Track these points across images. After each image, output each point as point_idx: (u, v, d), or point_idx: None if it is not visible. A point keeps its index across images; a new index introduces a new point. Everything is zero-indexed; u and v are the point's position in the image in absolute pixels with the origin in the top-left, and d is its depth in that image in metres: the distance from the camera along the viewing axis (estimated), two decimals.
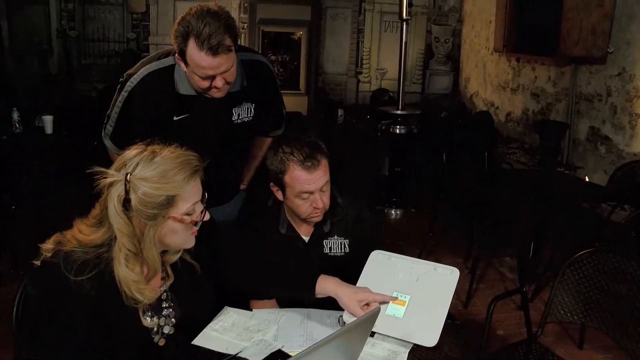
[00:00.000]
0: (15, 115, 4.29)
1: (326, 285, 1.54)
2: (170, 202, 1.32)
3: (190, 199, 1.35)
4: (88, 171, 1.30)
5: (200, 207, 1.39)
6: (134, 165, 1.30)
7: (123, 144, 2.01)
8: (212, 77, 1.79)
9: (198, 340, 1.48)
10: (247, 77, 2.00)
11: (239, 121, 2.03)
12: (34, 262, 1.31)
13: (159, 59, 1.94)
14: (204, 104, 1.92)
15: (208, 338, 1.50)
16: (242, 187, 2.30)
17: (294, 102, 6.43)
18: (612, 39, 4.82)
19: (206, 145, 1.91)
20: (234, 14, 7.52)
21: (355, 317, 1.48)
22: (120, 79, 1.97)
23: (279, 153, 1.77)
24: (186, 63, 1.79)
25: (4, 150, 4.13)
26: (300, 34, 7.20)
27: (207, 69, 1.75)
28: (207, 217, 1.41)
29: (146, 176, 1.29)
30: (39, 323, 1.28)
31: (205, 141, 1.92)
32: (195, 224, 1.38)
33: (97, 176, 1.30)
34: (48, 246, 1.32)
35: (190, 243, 1.43)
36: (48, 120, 4.33)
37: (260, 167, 2.26)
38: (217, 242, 1.59)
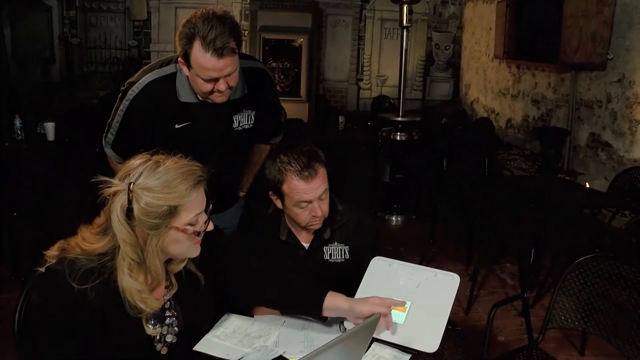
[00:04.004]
0: (18, 122, 4.32)
1: (336, 301, 1.51)
2: (172, 212, 1.31)
3: (193, 210, 1.35)
4: (92, 180, 1.30)
5: (203, 217, 1.38)
6: (137, 174, 1.30)
7: (124, 153, 2.02)
8: (216, 80, 1.79)
9: (200, 347, 1.49)
10: (247, 84, 2.01)
11: (239, 128, 2.04)
12: (38, 269, 1.31)
13: (160, 66, 1.94)
14: (205, 111, 1.93)
15: (209, 344, 1.50)
16: (241, 194, 2.30)
17: (294, 109, 6.45)
18: (611, 45, 4.84)
19: (207, 152, 1.92)
20: None
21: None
22: (122, 87, 1.96)
23: (277, 163, 1.78)
24: (189, 66, 1.79)
25: (6, 156, 4.15)
26: (301, 41, 7.22)
27: (211, 71, 1.76)
28: (210, 227, 1.41)
29: (149, 186, 1.29)
30: (41, 330, 1.28)
31: (206, 149, 1.93)
32: (198, 234, 1.38)
33: (101, 185, 1.30)
34: (52, 253, 1.32)
35: (194, 252, 1.42)
36: (50, 127, 4.35)
37: (259, 174, 2.27)
38: (221, 252, 1.58)
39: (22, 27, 6.87)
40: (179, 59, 1.82)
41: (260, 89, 2.07)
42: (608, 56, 4.86)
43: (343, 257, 1.91)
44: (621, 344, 1.96)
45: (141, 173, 1.31)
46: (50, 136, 4.35)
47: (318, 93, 7.90)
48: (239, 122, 2.03)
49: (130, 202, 1.28)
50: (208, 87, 1.81)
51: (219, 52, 1.72)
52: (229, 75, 1.79)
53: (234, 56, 1.77)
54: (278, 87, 7.07)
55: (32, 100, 6.44)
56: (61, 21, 7.52)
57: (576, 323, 2.08)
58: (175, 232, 1.34)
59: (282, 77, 7.26)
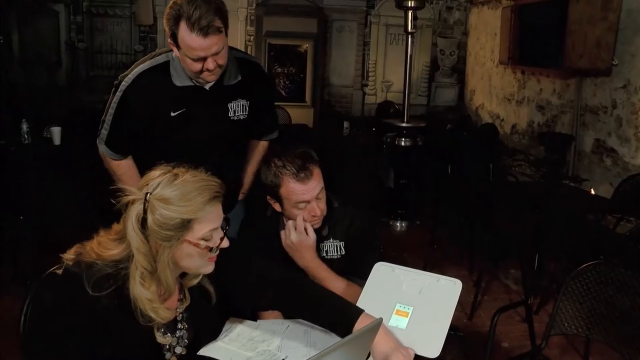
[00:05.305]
0: (24, 127, 4.35)
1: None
2: (185, 225, 1.31)
3: (207, 224, 1.34)
4: (112, 188, 1.31)
5: (219, 233, 1.38)
6: (155, 185, 1.31)
7: (118, 148, 2.05)
8: (204, 60, 1.82)
9: (204, 351, 1.50)
10: (241, 72, 2.05)
11: (235, 118, 2.06)
12: (55, 270, 1.32)
13: (152, 58, 1.99)
14: (200, 97, 1.96)
15: (214, 348, 1.51)
16: (241, 196, 2.31)
17: (299, 114, 6.46)
18: (616, 51, 4.83)
19: (205, 143, 1.95)
20: (241, 26, 7.60)
21: None
22: (115, 82, 2.00)
23: (272, 167, 1.80)
24: (178, 47, 1.83)
25: (12, 161, 4.17)
26: (306, 47, 7.25)
27: (198, 50, 1.79)
28: (225, 244, 1.39)
29: (165, 197, 1.29)
30: (48, 333, 1.29)
31: (204, 139, 1.96)
32: (211, 249, 1.36)
33: (119, 193, 1.30)
34: (69, 256, 1.33)
35: (207, 269, 1.41)
36: (56, 131, 4.37)
37: (257, 174, 2.27)
38: (231, 257, 1.56)
39: (29, 31, 6.91)
40: (169, 40, 1.85)
41: (253, 79, 2.11)
42: (613, 62, 4.85)
43: (339, 253, 1.93)
44: (625, 350, 1.95)
45: (159, 184, 1.31)
46: (57, 140, 4.37)
47: (323, 98, 7.92)
48: (235, 111, 2.05)
49: (145, 211, 1.28)
50: (197, 66, 1.84)
51: (204, 31, 1.76)
52: (216, 53, 1.82)
53: (220, 35, 1.80)
54: (283, 93, 7.10)
55: (38, 104, 6.48)
56: (68, 26, 7.57)
57: (580, 329, 2.07)
58: (187, 246, 1.33)
59: (287, 82, 7.28)
